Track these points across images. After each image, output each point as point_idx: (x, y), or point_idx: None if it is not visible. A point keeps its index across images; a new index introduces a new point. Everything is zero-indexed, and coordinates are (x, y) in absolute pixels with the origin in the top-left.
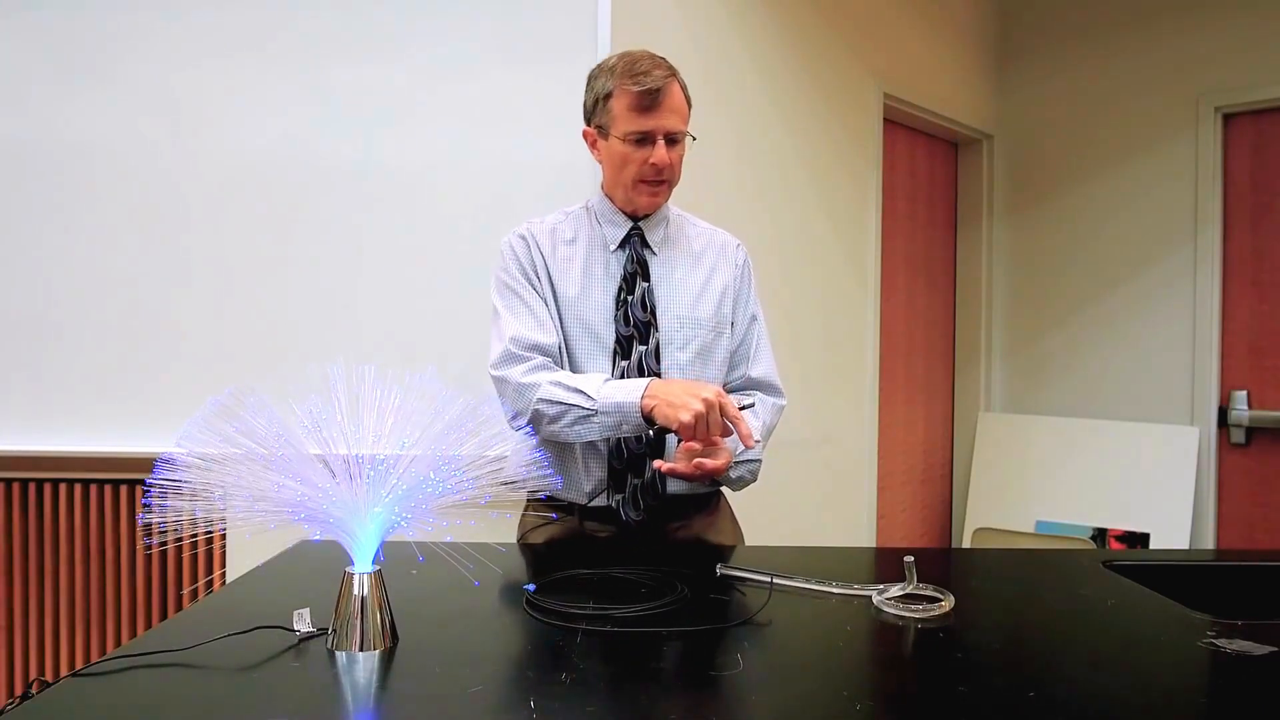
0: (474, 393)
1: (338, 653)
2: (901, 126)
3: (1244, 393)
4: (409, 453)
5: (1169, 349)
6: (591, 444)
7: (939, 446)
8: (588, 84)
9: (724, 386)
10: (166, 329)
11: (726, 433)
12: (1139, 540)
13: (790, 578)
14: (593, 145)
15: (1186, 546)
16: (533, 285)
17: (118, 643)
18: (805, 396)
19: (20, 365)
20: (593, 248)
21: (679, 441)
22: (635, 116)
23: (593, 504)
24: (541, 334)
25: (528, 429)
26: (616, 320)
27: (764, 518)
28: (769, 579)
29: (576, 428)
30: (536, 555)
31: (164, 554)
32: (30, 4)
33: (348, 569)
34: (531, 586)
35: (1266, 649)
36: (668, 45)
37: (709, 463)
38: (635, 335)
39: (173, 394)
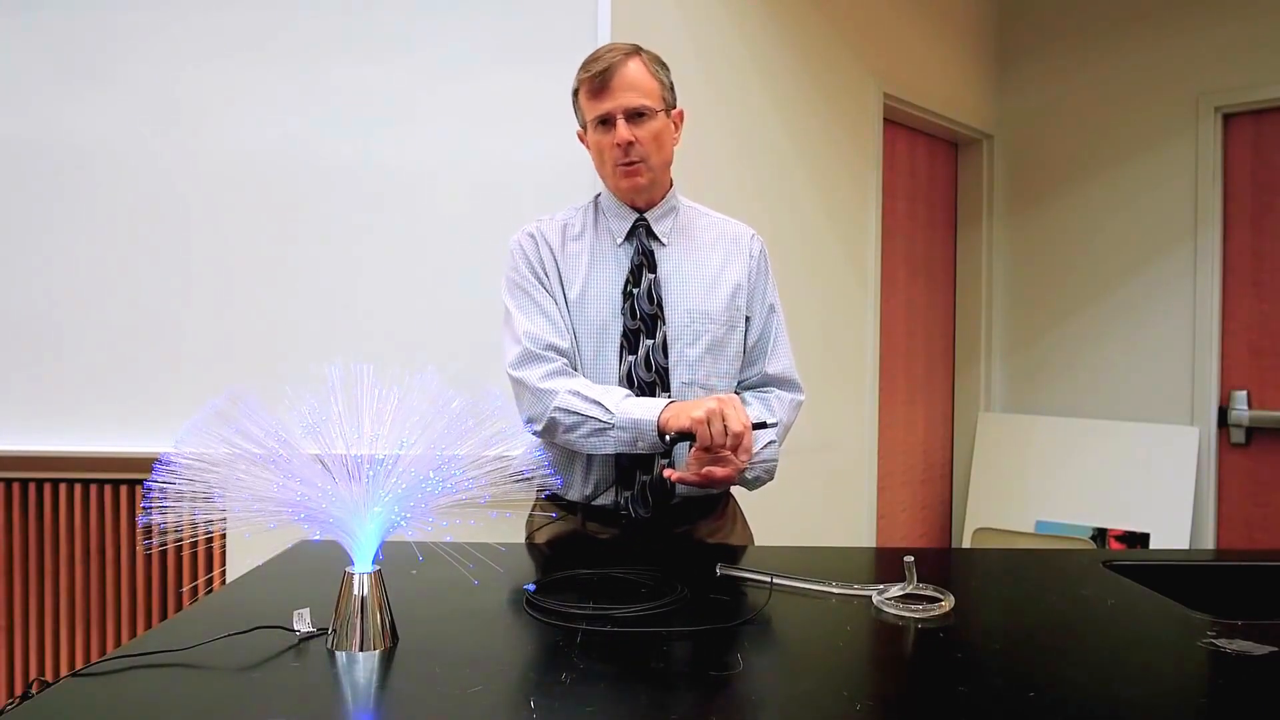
0: (474, 392)
1: (338, 653)
2: (901, 126)
3: (1244, 393)
4: (409, 452)
5: (1169, 349)
6: None
7: (939, 446)
8: None
9: (740, 383)
10: (166, 329)
11: (739, 443)
12: (1139, 540)
13: (790, 578)
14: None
15: (1186, 546)
16: (543, 284)
17: (118, 643)
18: (805, 397)
19: (20, 365)
20: (600, 241)
21: (689, 450)
22: (592, 102)
23: (595, 503)
24: (555, 334)
25: (542, 431)
26: (623, 313)
27: (764, 517)
28: (769, 579)
29: (592, 439)
30: (537, 555)
31: (164, 554)
32: (30, 4)
33: (348, 569)
34: (531, 586)
35: (1266, 649)
36: (668, 45)
37: (718, 471)
38: (642, 329)
39: (173, 394)
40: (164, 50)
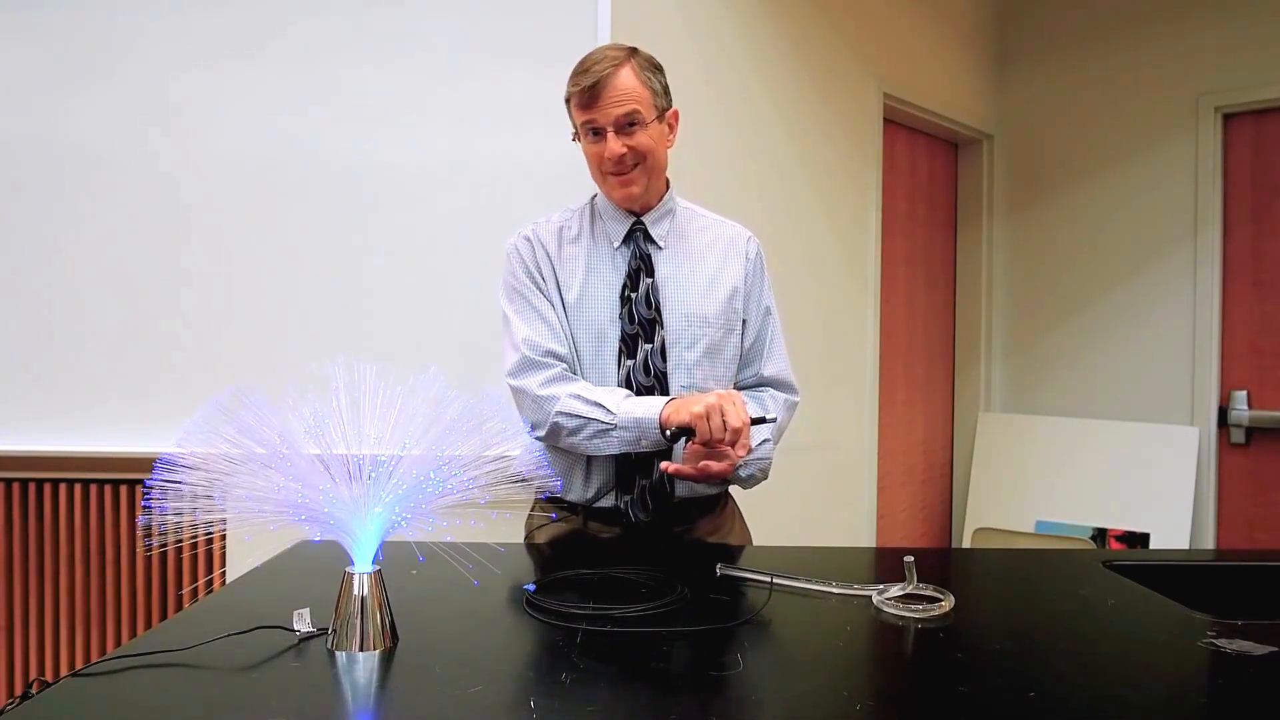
0: (475, 392)
1: (338, 653)
2: (901, 126)
3: (1244, 393)
4: (409, 453)
5: (1169, 349)
6: None
7: (939, 446)
8: None
9: (736, 386)
10: (166, 329)
11: (737, 439)
12: (1139, 540)
13: (790, 578)
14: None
15: (1186, 546)
16: (540, 288)
17: (118, 643)
18: (805, 397)
19: (20, 365)
20: (597, 245)
21: (685, 445)
22: (582, 113)
23: (597, 505)
24: (554, 339)
25: (545, 437)
26: (621, 318)
27: (764, 517)
28: (769, 579)
29: (595, 441)
30: (538, 555)
31: (164, 554)
32: (30, 4)
33: (348, 569)
34: (531, 586)
35: (1266, 649)
36: (667, 45)
37: (714, 465)
38: (640, 333)
39: (173, 394)
40: (164, 50)
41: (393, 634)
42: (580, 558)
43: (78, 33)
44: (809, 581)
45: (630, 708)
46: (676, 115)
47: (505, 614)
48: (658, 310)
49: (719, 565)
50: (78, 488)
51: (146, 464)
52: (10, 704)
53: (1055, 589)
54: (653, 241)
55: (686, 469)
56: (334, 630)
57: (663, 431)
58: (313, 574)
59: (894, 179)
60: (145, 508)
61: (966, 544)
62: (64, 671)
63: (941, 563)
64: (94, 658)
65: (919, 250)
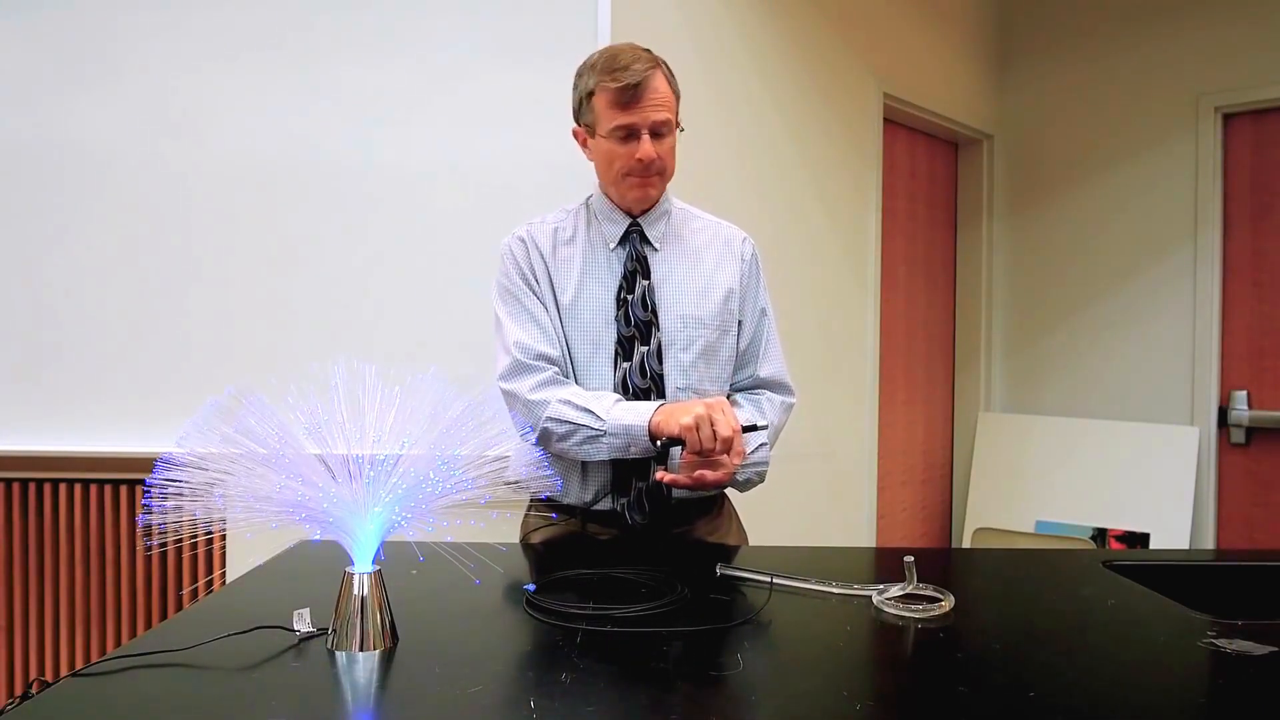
0: (475, 392)
1: (338, 653)
2: (901, 126)
3: (1244, 393)
4: (409, 453)
5: (1169, 349)
6: None
7: (939, 447)
8: (573, 83)
9: (731, 387)
10: (167, 329)
11: (729, 447)
12: (1139, 540)
13: (790, 578)
14: (583, 144)
15: (1186, 546)
16: (533, 290)
17: (118, 643)
18: (805, 397)
19: (20, 365)
20: (592, 246)
21: (681, 453)
22: (617, 113)
23: (595, 507)
24: (546, 342)
25: (536, 441)
26: (617, 320)
27: (764, 518)
28: (769, 579)
29: (585, 447)
30: (537, 555)
31: (164, 554)
32: (30, 4)
33: (348, 569)
34: (531, 586)
35: (1266, 649)
36: (667, 45)
37: (709, 474)
38: (636, 335)
39: (173, 394)
40: (165, 51)
41: (393, 634)
42: (580, 558)
43: (78, 33)
44: (809, 581)
45: (630, 708)
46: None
47: (505, 614)
48: (654, 312)
49: (719, 565)
50: (78, 488)
51: (146, 464)
52: (10, 704)
53: (1055, 589)
54: (648, 243)
55: (682, 478)
56: (334, 630)
57: (653, 440)
58: (313, 574)
59: (894, 179)
60: (145, 507)
61: (966, 544)
62: (64, 671)
63: (941, 563)
64: (94, 658)
65: (919, 250)
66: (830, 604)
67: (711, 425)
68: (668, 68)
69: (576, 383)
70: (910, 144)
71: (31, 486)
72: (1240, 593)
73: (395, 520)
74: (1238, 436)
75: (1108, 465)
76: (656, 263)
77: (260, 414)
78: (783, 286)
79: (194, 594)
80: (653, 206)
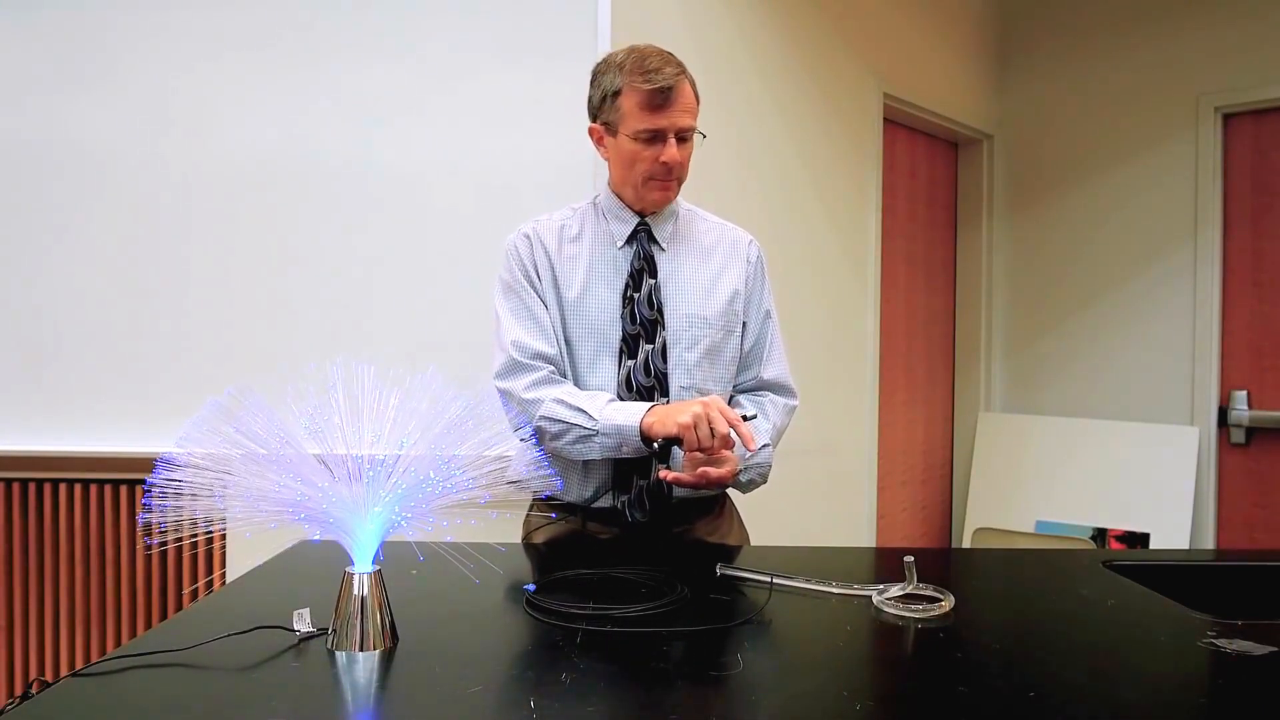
0: (475, 392)
1: (338, 653)
2: (901, 126)
3: (1244, 393)
4: (409, 452)
5: (1169, 349)
6: None
7: (939, 446)
8: (593, 79)
9: (734, 388)
10: (166, 329)
11: (729, 443)
12: (1139, 540)
13: (790, 578)
14: (599, 142)
15: (1186, 546)
16: (534, 287)
17: (118, 643)
18: (805, 397)
19: (20, 365)
20: (599, 244)
21: (683, 455)
22: (647, 115)
23: (595, 505)
24: (544, 341)
25: (532, 439)
26: (623, 318)
27: (764, 518)
28: (769, 579)
29: (578, 446)
30: (537, 555)
31: (164, 554)
32: (30, 4)
33: (348, 569)
34: (531, 586)
35: (1266, 649)
36: (667, 45)
37: (713, 471)
38: (642, 334)
39: (173, 394)
40: (164, 51)
41: (393, 634)
42: (580, 558)
43: (78, 33)
44: (809, 581)
45: (630, 708)
46: None
47: (505, 614)
48: (660, 311)
49: (719, 565)
50: (78, 488)
51: (146, 464)
52: (10, 704)
53: (1055, 589)
54: (656, 242)
55: (686, 477)
56: (334, 630)
57: (646, 442)
58: (313, 574)
59: (894, 179)
60: (145, 507)
61: (966, 544)
62: (64, 671)
63: (941, 563)
64: (94, 658)
65: (919, 250)
66: (830, 604)
67: (709, 423)
68: (690, 75)
69: (579, 380)
70: (910, 144)
71: (31, 486)
72: (1240, 593)
73: (395, 520)
74: (1238, 436)
75: (1108, 465)
76: (663, 262)
77: (260, 414)
78: (783, 286)
79: (194, 594)
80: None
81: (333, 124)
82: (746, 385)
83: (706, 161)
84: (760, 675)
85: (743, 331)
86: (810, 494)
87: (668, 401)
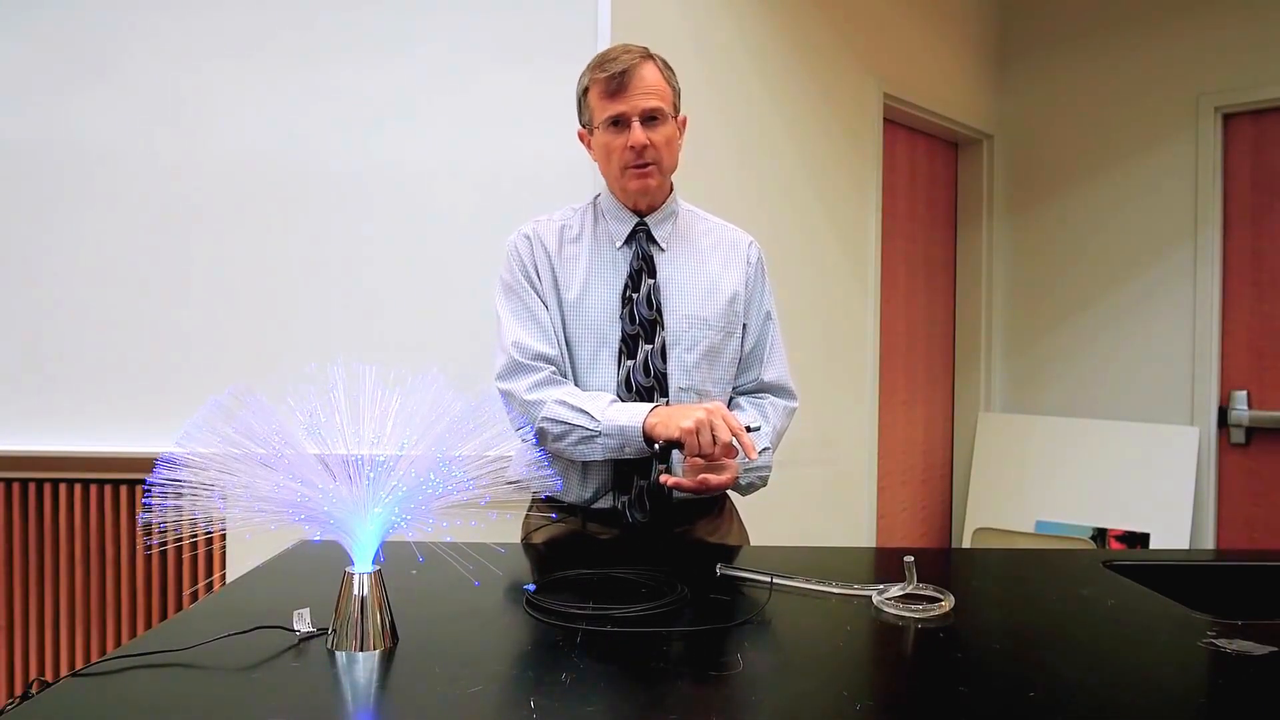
0: (475, 393)
1: (338, 653)
2: (901, 126)
3: (1244, 393)
4: (409, 453)
5: (1169, 349)
6: None
7: (939, 446)
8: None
9: (734, 390)
10: (167, 329)
11: (730, 452)
12: (1139, 540)
13: (790, 578)
14: (587, 146)
15: (1186, 546)
16: (534, 288)
17: (118, 643)
18: (805, 397)
19: (20, 365)
20: (598, 244)
21: (684, 460)
22: (608, 102)
23: (595, 506)
24: (545, 342)
25: (533, 440)
26: (622, 319)
27: (764, 518)
28: (769, 579)
29: (580, 447)
30: (537, 555)
31: (164, 554)
32: (30, 4)
33: (348, 569)
34: (531, 586)
35: (1266, 649)
36: (668, 45)
37: (714, 478)
38: (641, 334)
39: (173, 394)
40: (164, 50)
41: (393, 634)
42: (580, 558)
43: (78, 33)
44: (809, 581)
45: (630, 708)
46: (684, 122)
47: (505, 614)
48: (659, 311)
49: (719, 565)
50: (78, 488)
51: (146, 464)
52: (10, 704)
53: (1055, 589)
54: (655, 243)
55: (686, 482)
56: (334, 630)
57: (649, 443)
58: (313, 574)
59: (894, 179)
60: (145, 507)
61: (966, 544)
62: (64, 671)
63: (941, 563)
64: (94, 658)
65: (919, 250)
66: (830, 604)
67: (711, 430)
68: (663, 62)
69: (579, 380)
70: (910, 144)
71: (31, 486)
72: (1240, 593)
73: (395, 520)
74: (1238, 436)
75: (1108, 465)
76: (663, 262)
77: (260, 414)
78: (783, 287)
79: (194, 594)
80: (659, 205)
81: (333, 124)
82: (746, 387)
83: (707, 162)
84: (760, 675)
85: (743, 333)
86: (810, 494)
87: (668, 402)
